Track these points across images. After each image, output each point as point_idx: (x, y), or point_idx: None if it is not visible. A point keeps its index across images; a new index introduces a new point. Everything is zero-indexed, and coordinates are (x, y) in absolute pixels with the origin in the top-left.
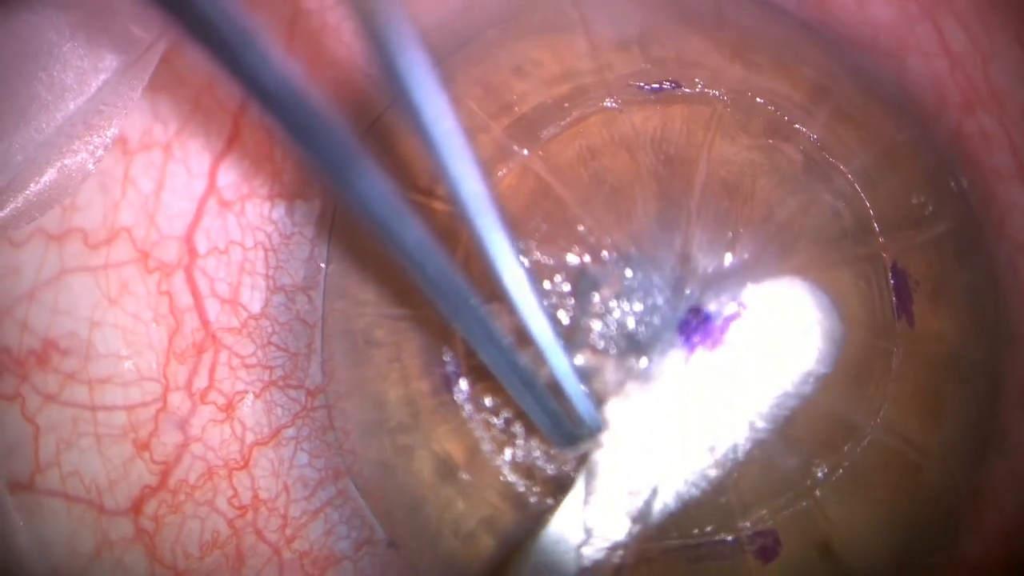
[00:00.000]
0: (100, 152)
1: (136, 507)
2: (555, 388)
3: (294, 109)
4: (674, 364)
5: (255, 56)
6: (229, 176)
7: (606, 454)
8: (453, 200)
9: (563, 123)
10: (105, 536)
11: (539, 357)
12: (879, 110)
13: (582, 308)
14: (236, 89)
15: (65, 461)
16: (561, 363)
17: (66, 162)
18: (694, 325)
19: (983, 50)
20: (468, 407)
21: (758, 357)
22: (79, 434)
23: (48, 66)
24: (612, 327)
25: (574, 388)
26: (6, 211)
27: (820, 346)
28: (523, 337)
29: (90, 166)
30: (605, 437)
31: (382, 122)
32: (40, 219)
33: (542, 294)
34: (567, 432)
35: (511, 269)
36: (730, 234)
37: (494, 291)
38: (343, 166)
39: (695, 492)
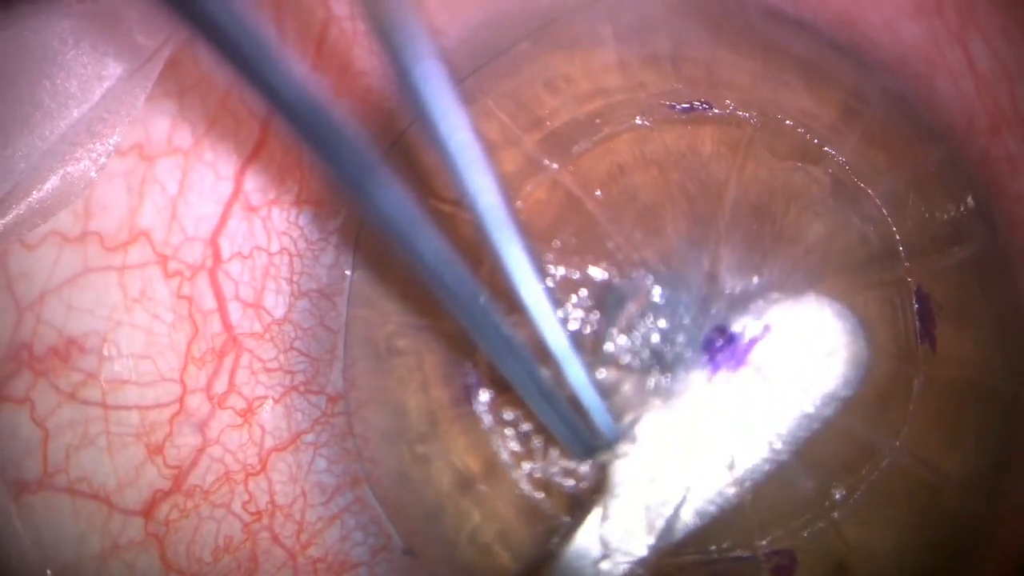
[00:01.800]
0: (103, 160)
1: (147, 510)
2: (573, 399)
3: (314, 121)
4: (697, 381)
5: (275, 68)
6: (256, 181)
7: (625, 468)
8: (472, 212)
9: (594, 139)
10: (114, 539)
11: (557, 369)
12: (908, 133)
13: (607, 322)
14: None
15: (77, 462)
16: (578, 375)
17: (69, 169)
18: (718, 344)
19: (1009, 71)
20: (488, 419)
21: (781, 379)
22: (94, 434)
23: (52, 74)
24: (637, 342)
25: (591, 399)
26: (8, 218)
27: (843, 369)
28: (542, 349)
29: (92, 174)
30: (623, 449)
31: (408, 136)
32: (61, 219)
33: (559, 306)
34: (584, 443)
35: (528, 282)
36: (758, 256)
37: (514, 303)
38: (363, 177)
39: (713, 509)
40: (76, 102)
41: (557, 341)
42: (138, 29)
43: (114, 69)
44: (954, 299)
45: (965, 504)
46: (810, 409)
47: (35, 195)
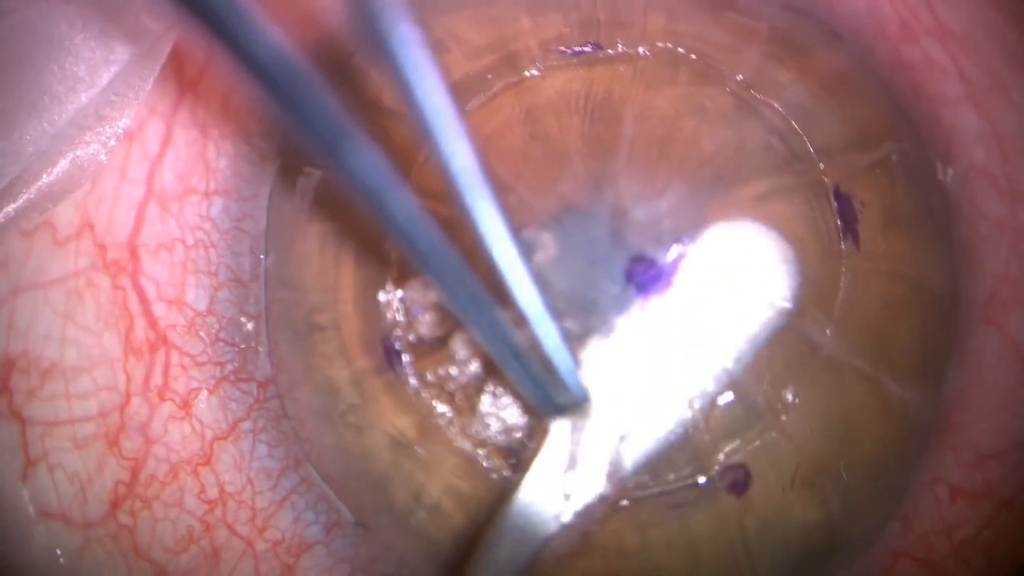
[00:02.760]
0: (112, 143)
1: (113, 504)
2: (544, 359)
3: (284, 82)
4: (629, 314)
5: (246, 29)
6: (165, 179)
7: (585, 416)
8: (445, 173)
9: (488, 94)
10: (86, 547)
11: (528, 328)
12: (811, 43)
13: None
14: (223, 67)
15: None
16: (551, 334)
17: (78, 153)
18: (641, 273)
19: None
20: (413, 382)
21: (709, 294)
22: (50, 451)
23: (60, 58)
24: (559, 290)
25: (563, 358)
26: (19, 201)
27: (768, 274)
28: (514, 308)
29: (102, 157)
30: (589, 404)
31: (351, 66)
32: None
33: (533, 267)
34: (554, 401)
35: (503, 243)
36: (662, 181)
37: (486, 265)
38: (334, 139)
39: (668, 437)
40: (84, 86)
41: (530, 300)
42: (145, 12)
43: (122, 53)
44: (877, 197)
45: (910, 398)
46: (743, 318)
47: (45, 179)
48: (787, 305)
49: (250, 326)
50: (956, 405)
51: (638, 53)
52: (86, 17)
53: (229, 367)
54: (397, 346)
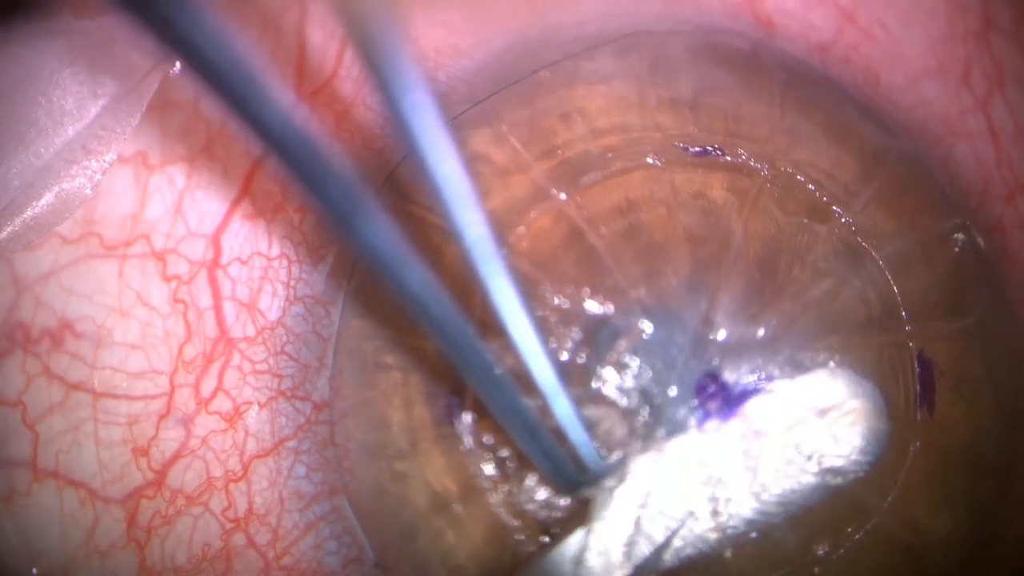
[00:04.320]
0: (98, 177)
1: (130, 509)
2: (559, 433)
3: (300, 152)
4: (685, 426)
5: (262, 100)
6: (263, 182)
7: (607, 504)
8: (460, 244)
9: (604, 173)
10: (96, 537)
11: (543, 401)
12: (921, 196)
13: (599, 357)
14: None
15: (64, 452)
16: (564, 408)
17: (64, 186)
18: (711, 391)
19: None
20: (468, 441)
21: (772, 432)
22: (87, 420)
23: (48, 91)
24: (628, 380)
25: (576, 433)
26: (3, 233)
27: (839, 429)
28: (528, 381)
29: (88, 191)
30: (608, 485)
31: (401, 171)
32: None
33: (547, 339)
34: (568, 477)
35: (515, 314)
36: (756, 307)
37: (501, 335)
38: (351, 212)
39: (693, 554)
40: (72, 119)
41: (544, 374)
42: (134, 48)
43: (110, 87)
44: (955, 365)
45: (948, 569)
46: (801, 466)
47: (29, 212)
48: (847, 464)
49: (318, 346)
50: None
51: (758, 168)
52: (75, 51)
53: (287, 383)
54: (459, 403)
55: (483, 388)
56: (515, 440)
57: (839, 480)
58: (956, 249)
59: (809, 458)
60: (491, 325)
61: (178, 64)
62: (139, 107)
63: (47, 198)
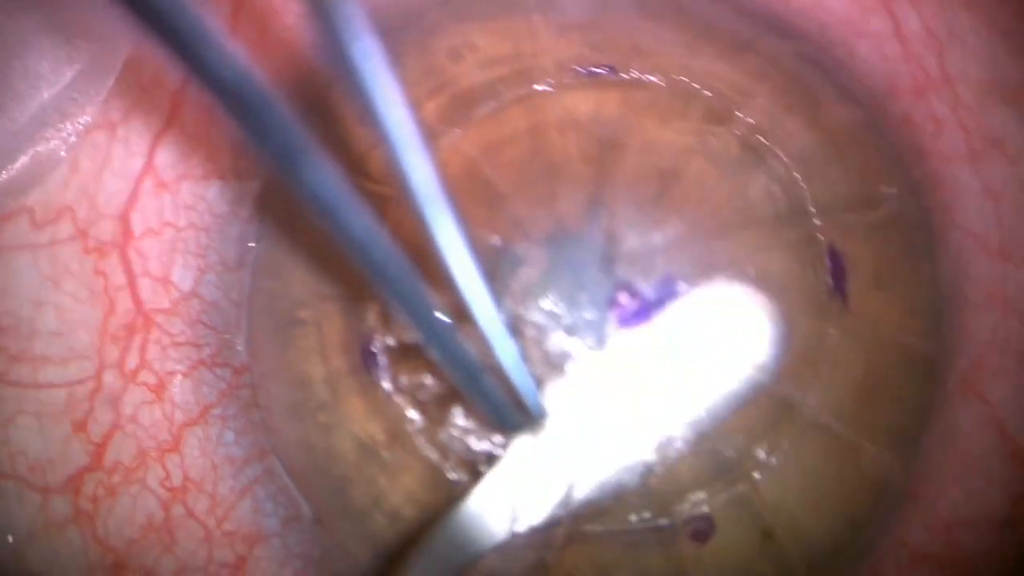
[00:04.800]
0: (73, 139)
1: (75, 487)
2: (501, 376)
3: (242, 95)
4: (604, 344)
5: (203, 41)
6: (167, 156)
7: (540, 436)
8: (404, 187)
9: (495, 104)
10: (45, 516)
11: (483, 341)
12: (823, 95)
13: (503, 288)
14: (178, 71)
15: (6, 440)
16: (508, 349)
17: (39, 149)
18: (625, 304)
19: (938, 35)
20: (387, 386)
21: (690, 338)
22: (20, 413)
23: (24, 55)
24: (538, 309)
25: (520, 376)
26: None
27: (754, 327)
28: (467, 320)
29: (62, 153)
30: (545, 424)
31: (324, 100)
32: None
33: (490, 278)
34: (511, 420)
35: (461, 257)
36: (661, 214)
37: (444, 281)
38: (291, 153)
39: (629, 476)
40: (47, 84)
41: (488, 316)
42: (107, 12)
43: (84, 50)
44: (870, 258)
45: (886, 464)
46: (723, 367)
47: (4, 176)
48: (770, 361)
49: (232, 312)
50: (929, 471)
51: (651, 81)
52: (51, 15)
53: (206, 351)
54: (375, 349)
55: (426, 333)
56: (456, 383)
57: (764, 379)
58: (863, 143)
59: (729, 359)
60: (432, 272)
61: None
62: (114, 69)
63: (22, 161)
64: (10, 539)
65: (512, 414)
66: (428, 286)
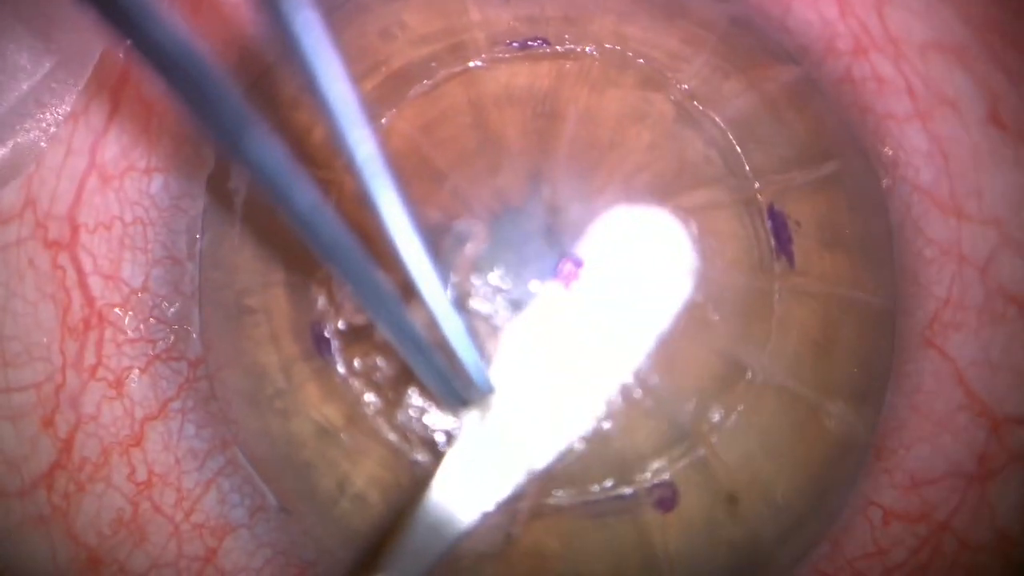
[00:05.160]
0: (52, 129)
1: (47, 484)
2: (448, 352)
3: (184, 70)
4: (552, 315)
5: (144, 12)
6: (109, 152)
7: (492, 411)
8: (348, 162)
9: (429, 82)
10: (20, 514)
11: (431, 318)
12: (759, 58)
13: (448, 265)
14: (122, 54)
15: None
16: (455, 325)
17: (19, 140)
18: (568, 273)
19: None
20: (341, 369)
21: (637, 303)
22: None
23: (2, 47)
24: (484, 283)
25: (467, 352)
26: None
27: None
28: (414, 298)
29: (42, 143)
30: (495, 398)
31: (268, 77)
32: None
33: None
34: (459, 396)
35: (406, 232)
36: (600, 183)
37: (389, 256)
38: (235, 130)
39: (588, 446)
40: (26, 74)
41: (433, 292)
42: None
43: (62, 42)
44: (815, 216)
45: (845, 421)
46: (672, 332)
47: None
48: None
49: (183, 305)
50: (893, 428)
51: (585, 52)
52: (30, 6)
53: (161, 345)
54: (326, 333)
55: (374, 310)
56: (407, 361)
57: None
58: (803, 104)
59: (676, 321)
60: (377, 248)
61: None
62: (91, 59)
63: (2, 152)
64: None
65: (461, 389)
66: (375, 264)
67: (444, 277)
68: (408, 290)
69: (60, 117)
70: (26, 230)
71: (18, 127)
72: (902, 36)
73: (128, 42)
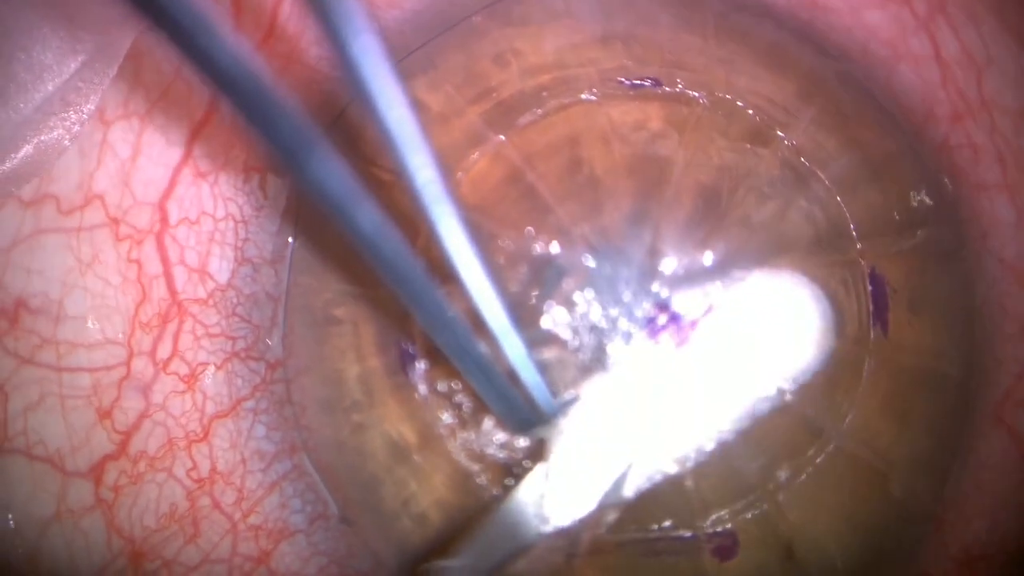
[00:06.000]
0: (76, 128)
1: (96, 475)
2: (511, 374)
3: (249, 92)
4: (637, 358)
5: (206, 33)
6: (205, 147)
7: (564, 442)
8: (409, 186)
9: (540, 111)
10: (65, 502)
11: (495, 343)
12: (863, 117)
13: (546, 296)
14: (196, 74)
15: (30, 424)
16: (517, 349)
17: (43, 138)
18: (660, 321)
19: (977, 60)
20: (423, 389)
21: (725, 358)
22: (45, 396)
23: (28, 46)
24: (576, 317)
25: (529, 374)
26: None
27: (792, 350)
28: (480, 322)
29: (66, 142)
30: (562, 425)
31: (350, 113)
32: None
33: (499, 281)
34: (522, 418)
35: (466, 256)
36: (702, 234)
37: (451, 276)
38: (301, 151)
39: (655, 487)
40: (51, 74)
41: (495, 315)
42: (111, 3)
43: (88, 41)
44: (908, 283)
45: (911, 491)
46: (756, 390)
47: (8, 165)
48: (797, 385)
49: (268, 306)
50: (954, 501)
51: (695, 97)
52: (55, 5)
53: (241, 343)
54: (412, 351)
55: (436, 331)
56: (469, 383)
57: (795, 403)
58: (901, 167)
59: (762, 381)
60: (441, 268)
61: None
62: (117, 59)
63: (25, 150)
64: (11, 520)
65: (522, 411)
66: (440, 284)
67: (541, 306)
68: (471, 311)
69: (85, 116)
70: (106, 214)
71: (43, 125)
72: (996, 104)
73: (188, 59)
